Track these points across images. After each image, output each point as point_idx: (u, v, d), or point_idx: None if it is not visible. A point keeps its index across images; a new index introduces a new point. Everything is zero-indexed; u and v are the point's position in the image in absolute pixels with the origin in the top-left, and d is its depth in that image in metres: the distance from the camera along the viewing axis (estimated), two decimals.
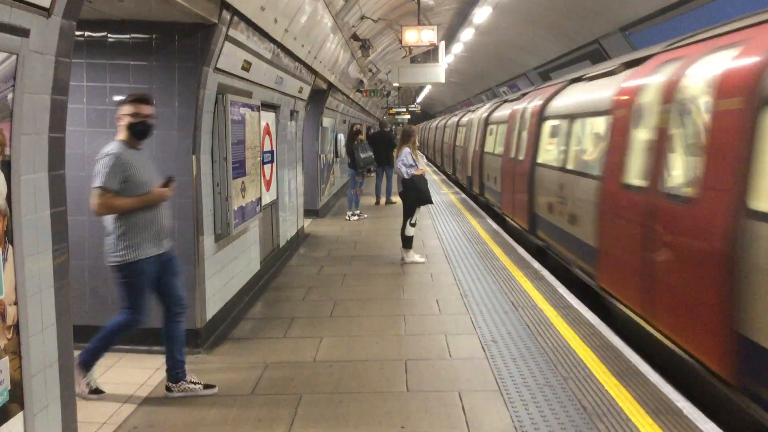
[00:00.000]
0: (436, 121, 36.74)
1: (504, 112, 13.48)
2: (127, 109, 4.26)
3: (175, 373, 4.58)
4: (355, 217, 13.30)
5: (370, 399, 4.47)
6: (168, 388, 4.57)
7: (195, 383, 4.59)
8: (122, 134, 4.28)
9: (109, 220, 4.24)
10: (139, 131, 4.29)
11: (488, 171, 14.58)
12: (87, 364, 4.44)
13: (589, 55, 14.36)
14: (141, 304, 4.40)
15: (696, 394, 4.72)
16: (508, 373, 4.84)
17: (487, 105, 17.58)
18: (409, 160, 8.85)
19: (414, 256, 8.90)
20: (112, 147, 4.21)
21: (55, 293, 3.09)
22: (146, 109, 4.30)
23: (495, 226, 12.10)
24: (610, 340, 5.53)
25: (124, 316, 4.42)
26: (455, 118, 24.54)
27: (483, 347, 5.42)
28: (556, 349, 5.31)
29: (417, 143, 9.31)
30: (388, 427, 4.04)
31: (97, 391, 4.46)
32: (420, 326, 6.08)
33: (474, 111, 19.96)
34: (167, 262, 4.50)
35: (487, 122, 15.46)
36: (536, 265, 8.55)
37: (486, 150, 15.19)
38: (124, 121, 4.26)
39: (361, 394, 4.56)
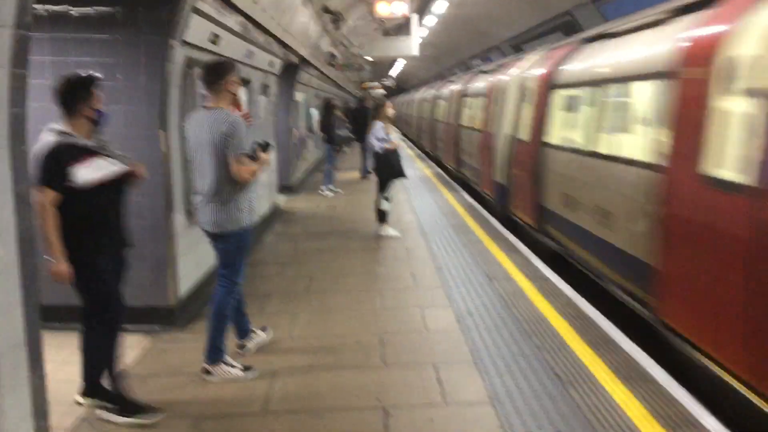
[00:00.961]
0: (408, 96, 36.63)
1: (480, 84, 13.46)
2: (232, 77, 4.33)
3: (213, 355, 4.50)
4: (331, 193, 13.23)
5: (346, 374, 4.47)
6: (206, 371, 4.46)
7: (232, 365, 4.49)
8: (225, 101, 4.35)
9: (225, 189, 4.27)
10: (235, 98, 4.48)
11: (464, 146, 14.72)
12: (217, 353, 4.45)
13: (561, 27, 14.32)
14: (242, 266, 4.61)
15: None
16: (483, 344, 4.87)
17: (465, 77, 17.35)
18: (381, 134, 8.80)
19: (389, 230, 8.89)
20: (229, 114, 4.27)
21: (21, 273, 3.01)
22: (237, 78, 4.44)
23: (470, 199, 12.12)
24: (585, 310, 5.59)
25: (226, 285, 4.52)
26: (417, 95, 24.64)
27: (458, 319, 5.44)
28: (530, 320, 5.35)
29: (390, 117, 9.25)
30: (364, 402, 4.05)
31: (247, 369, 4.49)
32: (395, 300, 6.08)
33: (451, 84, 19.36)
34: None
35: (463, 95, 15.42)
36: (511, 238, 8.59)
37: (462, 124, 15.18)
38: (228, 89, 4.33)
39: (336, 369, 4.56)
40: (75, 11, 5.07)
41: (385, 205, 8.85)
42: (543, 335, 5.01)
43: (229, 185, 4.27)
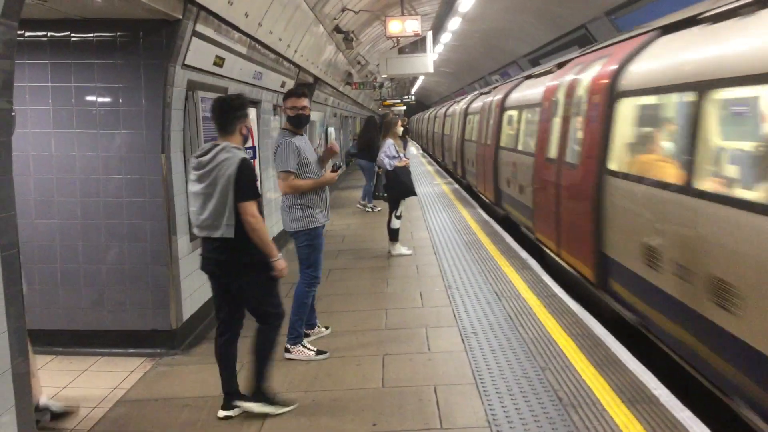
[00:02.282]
0: (428, 113, 36.53)
1: (477, 104, 13.90)
2: (287, 102, 5.13)
3: (294, 337, 5.17)
4: (368, 209, 13.28)
5: (344, 396, 4.41)
6: (286, 350, 5.13)
7: (309, 348, 5.18)
8: (286, 123, 5.23)
9: (288, 196, 5.16)
10: (297, 121, 5.14)
11: (468, 156, 15.43)
12: (296, 339, 5.16)
13: (576, 41, 14.25)
14: (319, 261, 5.32)
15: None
16: (486, 365, 4.77)
17: (468, 97, 17.70)
18: (392, 152, 8.76)
19: (401, 248, 8.83)
20: (283, 136, 5.14)
21: (5, 300, 3.01)
22: (301, 102, 5.12)
23: (485, 216, 12.03)
24: (592, 328, 5.47)
25: (306, 279, 5.24)
26: (443, 109, 24.42)
27: (463, 339, 5.35)
28: (536, 339, 5.24)
29: (400, 133, 9.22)
30: (360, 425, 3.98)
31: (320, 352, 5.15)
32: (401, 319, 6.01)
33: (458, 103, 19.85)
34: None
35: (466, 113, 16.10)
36: (523, 254, 8.48)
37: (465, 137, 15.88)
38: (287, 113, 5.16)
39: (335, 391, 4.50)
40: (76, 37, 5.15)
41: (395, 224, 8.80)
42: (548, 355, 4.90)
43: (294, 195, 5.15)
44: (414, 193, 8.93)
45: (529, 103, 9.83)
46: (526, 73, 12.90)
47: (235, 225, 3.91)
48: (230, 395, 4.18)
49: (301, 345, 5.15)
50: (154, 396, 4.56)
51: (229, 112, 4.06)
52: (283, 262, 4.07)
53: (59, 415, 4.05)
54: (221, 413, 4.13)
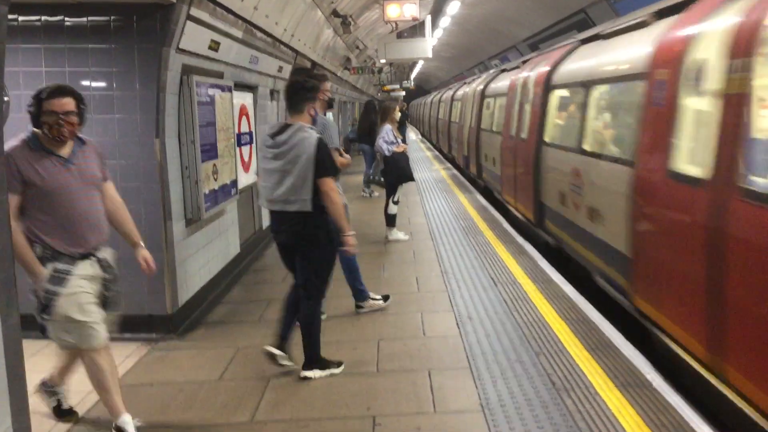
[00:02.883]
0: (430, 97, 36.10)
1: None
2: (326, 85, 5.27)
3: (360, 296, 5.88)
4: (365, 194, 13.28)
5: (338, 381, 4.43)
6: (358, 306, 5.87)
7: (375, 299, 5.94)
8: (321, 108, 5.25)
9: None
10: (330, 104, 5.68)
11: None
12: (362, 294, 5.91)
13: (576, 25, 14.15)
14: None
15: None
16: (480, 350, 4.79)
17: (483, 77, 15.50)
18: (390, 137, 8.74)
19: (397, 234, 8.83)
20: (325, 119, 5.43)
21: None
22: (327, 85, 5.38)
23: (483, 201, 12.02)
24: (587, 313, 5.48)
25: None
26: (450, 92, 22.24)
27: (458, 324, 5.37)
28: (531, 324, 5.25)
29: (398, 119, 9.19)
30: (354, 410, 4.00)
31: (385, 297, 6.02)
32: (397, 305, 6.02)
33: (469, 84, 17.43)
34: None
35: (483, 95, 14.09)
36: (520, 239, 8.48)
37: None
38: (325, 96, 5.29)
39: (330, 376, 4.51)
40: (69, 21, 5.11)
41: (392, 209, 8.80)
42: (542, 340, 4.92)
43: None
44: (412, 179, 8.92)
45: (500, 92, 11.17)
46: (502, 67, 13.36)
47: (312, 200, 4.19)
48: (282, 339, 4.59)
49: (369, 298, 5.90)
50: (150, 381, 4.57)
51: (299, 92, 4.35)
52: (354, 238, 4.41)
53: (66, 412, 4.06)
54: (268, 348, 4.53)
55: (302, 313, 4.49)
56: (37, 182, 3.44)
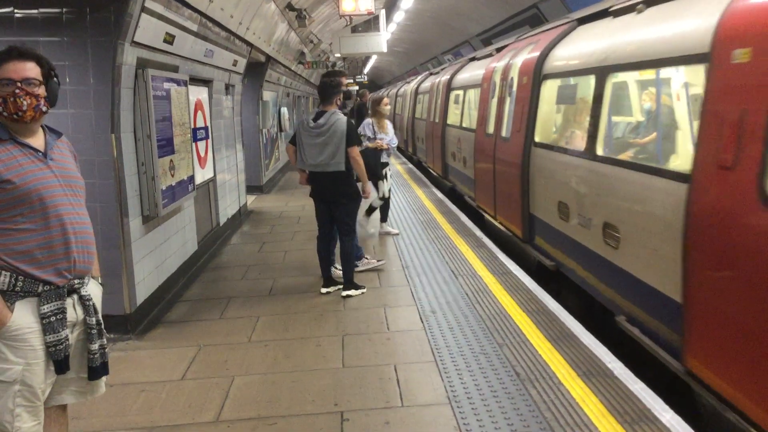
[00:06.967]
0: (385, 91, 35.97)
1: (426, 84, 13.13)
2: (346, 79, 6.87)
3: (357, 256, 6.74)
4: None
5: (304, 377, 4.40)
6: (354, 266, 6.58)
7: (369, 258, 7.01)
8: (339, 101, 6.28)
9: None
10: (345, 94, 7.19)
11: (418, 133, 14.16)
12: (358, 251, 6.81)
13: (528, 20, 14.35)
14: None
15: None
16: (445, 343, 4.82)
17: (418, 78, 15.66)
18: (368, 132, 8.42)
19: (387, 227, 8.72)
20: (341, 114, 6.20)
21: None
22: (344, 80, 7.00)
23: (440, 195, 12.09)
24: (547, 304, 5.57)
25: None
26: (394, 90, 21.29)
27: (421, 318, 5.39)
28: (493, 317, 5.31)
29: (387, 113, 8.85)
30: (321, 406, 3.98)
31: (380, 260, 7.15)
32: (359, 300, 6.01)
33: (408, 83, 17.68)
34: None
35: (416, 93, 14.40)
36: (478, 233, 8.56)
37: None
38: (345, 88, 6.90)
39: (295, 373, 4.48)
40: (20, 13, 4.93)
41: (374, 201, 8.56)
42: (505, 332, 4.98)
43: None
44: (379, 177, 8.62)
45: (472, 84, 10.65)
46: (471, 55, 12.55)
47: (345, 162, 5.97)
48: (328, 279, 6.35)
49: (364, 257, 6.94)
50: (109, 382, 4.44)
51: (328, 89, 6.08)
52: (370, 186, 6.56)
53: None
54: (323, 290, 6.26)
55: (342, 249, 6.21)
56: (15, 180, 2.57)
